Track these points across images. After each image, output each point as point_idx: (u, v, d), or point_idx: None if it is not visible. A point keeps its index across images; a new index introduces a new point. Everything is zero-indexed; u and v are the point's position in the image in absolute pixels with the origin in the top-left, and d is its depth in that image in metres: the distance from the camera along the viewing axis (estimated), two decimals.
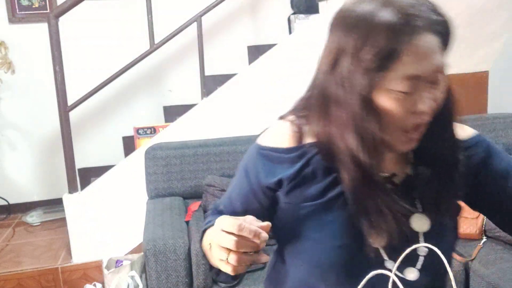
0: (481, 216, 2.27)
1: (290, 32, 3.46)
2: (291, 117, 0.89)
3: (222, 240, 0.72)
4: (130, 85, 3.42)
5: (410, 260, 0.82)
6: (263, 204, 0.91)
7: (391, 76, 0.73)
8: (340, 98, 0.77)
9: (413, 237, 0.83)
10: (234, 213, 0.88)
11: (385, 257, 0.82)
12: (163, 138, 2.66)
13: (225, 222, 0.72)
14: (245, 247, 0.71)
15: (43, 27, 2.71)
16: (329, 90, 0.79)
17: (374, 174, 0.79)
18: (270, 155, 0.88)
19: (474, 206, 0.94)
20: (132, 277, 2.38)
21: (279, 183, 0.87)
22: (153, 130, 3.00)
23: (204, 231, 0.94)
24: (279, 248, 0.95)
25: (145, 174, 2.44)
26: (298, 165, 0.85)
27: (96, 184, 2.73)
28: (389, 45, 0.72)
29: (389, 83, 0.74)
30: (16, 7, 3.35)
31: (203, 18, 2.87)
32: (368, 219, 0.80)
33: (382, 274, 0.70)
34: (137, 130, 3.01)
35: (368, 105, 0.75)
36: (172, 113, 3.23)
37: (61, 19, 2.63)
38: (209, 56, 2.98)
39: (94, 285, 2.56)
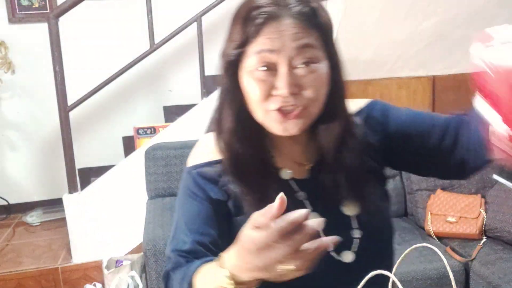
0: (481, 216, 2.27)
1: None
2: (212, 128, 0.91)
3: (268, 257, 0.61)
4: (130, 85, 3.42)
5: (346, 243, 0.84)
6: (226, 216, 0.86)
7: (248, 57, 0.80)
8: (220, 77, 0.86)
9: (346, 222, 0.86)
10: (213, 241, 0.83)
11: None
12: (163, 138, 2.66)
13: (252, 238, 0.61)
14: (295, 240, 0.61)
15: (43, 27, 2.71)
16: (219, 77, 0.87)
17: (250, 162, 0.83)
18: (207, 171, 0.87)
19: (396, 166, 0.96)
20: (132, 277, 2.38)
21: (227, 194, 0.86)
22: (153, 130, 3.00)
23: (190, 283, 0.77)
24: None
25: (145, 174, 2.44)
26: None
27: (96, 184, 2.73)
28: (242, 29, 0.80)
29: (247, 64, 0.80)
30: (16, 7, 3.35)
31: (203, 18, 2.87)
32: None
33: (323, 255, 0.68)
34: (137, 130, 3.01)
35: (233, 86, 0.83)
36: (172, 113, 3.23)
37: (61, 19, 2.63)
38: (209, 56, 2.97)
39: (94, 285, 2.56)
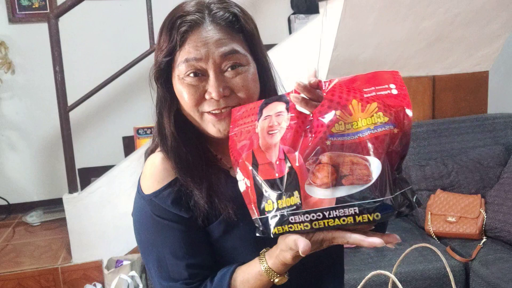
0: (481, 216, 2.27)
1: (290, 32, 3.46)
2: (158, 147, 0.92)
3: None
4: (130, 85, 3.42)
5: None
6: (201, 229, 0.87)
7: (176, 64, 0.84)
8: (156, 90, 0.89)
9: None
10: (205, 258, 0.86)
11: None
12: None
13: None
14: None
15: (43, 27, 2.71)
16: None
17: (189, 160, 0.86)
18: (169, 193, 0.86)
19: None
20: (132, 277, 2.38)
21: (196, 208, 0.86)
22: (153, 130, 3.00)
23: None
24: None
25: None
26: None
27: (96, 184, 2.73)
28: (168, 37, 0.83)
29: (177, 72, 0.84)
30: (16, 7, 3.35)
31: None
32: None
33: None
34: (137, 130, 3.01)
35: (166, 92, 0.86)
36: None
37: (61, 19, 2.63)
38: None
39: (94, 285, 2.56)
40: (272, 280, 0.80)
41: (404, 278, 2.05)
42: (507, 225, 2.19)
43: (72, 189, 2.69)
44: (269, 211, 0.71)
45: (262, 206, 0.72)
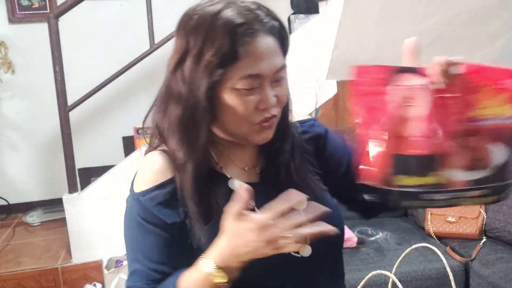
0: (481, 216, 2.27)
1: (290, 32, 3.45)
2: (155, 145, 0.91)
3: (271, 232, 0.72)
4: (130, 85, 3.42)
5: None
6: (185, 236, 0.84)
7: (233, 75, 0.78)
8: (181, 96, 0.82)
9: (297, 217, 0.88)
10: (174, 267, 0.83)
11: None
12: None
13: (254, 219, 0.72)
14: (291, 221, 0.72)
15: (43, 27, 2.71)
16: (172, 87, 0.84)
17: (200, 170, 0.83)
18: (158, 195, 0.84)
19: (328, 184, 0.97)
20: None
21: (183, 213, 0.84)
22: None
23: None
24: None
25: None
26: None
27: (96, 184, 2.73)
28: (228, 45, 0.77)
29: (232, 82, 0.79)
30: (16, 7, 3.35)
31: None
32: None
33: (278, 258, 0.76)
34: (137, 130, 3.01)
35: (209, 102, 0.80)
36: None
37: (61, 19, 2.63)
38: None
39: (94, 285, 2.56)
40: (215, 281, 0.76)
41: (404, 278, 2.05)
42: (507, 225, 2.19)
43: (72, 189, 2.69)
44: (407, 186, 0.72)
45: (394, 177, 0.72)
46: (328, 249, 0.89)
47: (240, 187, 0.73)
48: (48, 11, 3.30)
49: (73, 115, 2.72)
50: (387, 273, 0.65)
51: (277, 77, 0.82)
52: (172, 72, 0.85)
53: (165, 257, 0.84)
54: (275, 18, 0.83)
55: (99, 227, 2.69)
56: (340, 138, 1.02)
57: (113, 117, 3.51)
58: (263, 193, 0.85)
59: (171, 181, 0.85)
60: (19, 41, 3.35)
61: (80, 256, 2.68)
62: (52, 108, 2.82)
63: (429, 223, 2.33)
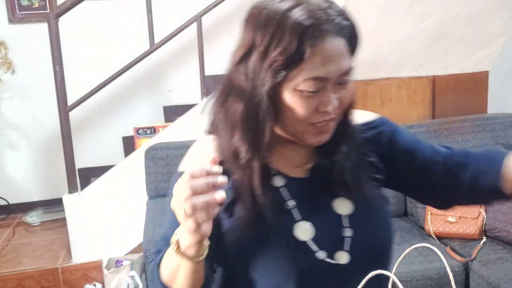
0: (481, 216, 2.27)
1: None
2: (210, 131, 0.91)
3: (177, 196, 0.71)
4: (130, 85, 3.42)
5: (338, 243, 0.84)
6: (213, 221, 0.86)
7: (298, 76, 0.76)
8: (243, 91, 0.80)
9: (337, 221, 0.86)
10: None
11: (315, 248, 0.83)
12: (163, 138, 2.66)
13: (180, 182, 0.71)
14: (200, 188, 0.69)
15: (43, 27, 2.71)
16: (234, 80, 0.82)
17: (256, 170, 0.82)
18: None
19: (395, 186, 0.98)
20: (132, 277, 2.38)
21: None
22: (153, 130, 3.00)
23: (158, 266, 0.84)
24: (230, 274, 0.90)
25: (145, 174, 2.44)
26: (229, 182, 0.82)
27: (96, 184, 2.73)
28: (295, 46, 0.74)
29: (295, 83, 0.77)
30: (16, 7, 3.35)
31: (203, 18, 2.87)
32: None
33: (310, 259, 0.80)
34: (137, 130, 3.01)
35: (271, 100, 0.78)
36: (172, 113, 3.23)
37: (61, 19, 2.63)
38: (209, 56, 2.97)
39: (94, 285, 2.56)
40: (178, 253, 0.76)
41: (404, 278, 2.05)
42: (507, 225, 2.19)
43: (72, 189, 2.69)
44: None
45: None
46: (370, 259, 0.86)
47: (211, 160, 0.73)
48: (48, 11, 3.30)
49: (73, 115, 2.72)
50: (387, 273, 0.65)
51: (342, 80, 0.80)
52: (235, 64, 0.82)
53: None
54: (346, 17, 0.80)
55: (99, 227, 2.69)
56: (410, 135, 0.98)
57: (113, 117, 3.51)
58: (309, 190, 0.87)
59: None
60: (19, 41, 3.35)
61: (80, 256, 2.68)
62: (52, 108, 2.82)
63: (429, 223, 2.33)
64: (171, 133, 2.72)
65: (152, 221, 2.17)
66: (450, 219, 2.31)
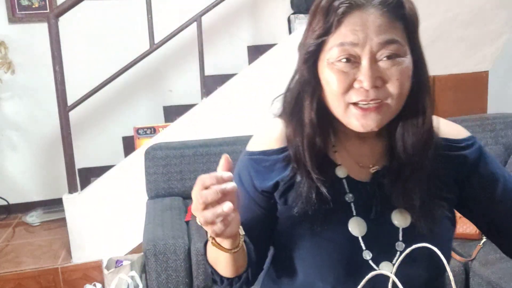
0: None
1: (290, 32, 3.45)
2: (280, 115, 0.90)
3: (193, 203, 0.72)
4: (130, 85, 3.42)
5: (388, 254, 0.82)
6: (264, 210, 0.88)
7: (329, 46, 0.77)
8: (296, 70, 0.84)
9: (394, 232, 0.83)
10: (242, 225, 0.84)
11: (364, 246, 0.82)
12: (163, 138, 2.66)
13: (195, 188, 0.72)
14: (210, 198, 0.69)
15: (43, 27, 2.71)
16: (297, 64, 0.84)
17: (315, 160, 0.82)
18: (260, 160, 0.87)
19: (465, 213, 0.93)
20: (132, 277, 2.38)
21: (276, 185, 0.86)
22: (153, 130, 3.00)
23: (205, 244, 0.88)
24: (276, 254, 0.93)
25: (145, 174, 2.44)
26: (291, 165, 0.85)
27: (96, 184, 2.73)
28: (325, 18, 0.76)
29: (328, 54, 0.78)
30: (16, 7, 3.35)
31: (203, 18, 2.87)
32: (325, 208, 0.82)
33: (356, 257, 0.79)
34: (137, 130, 3.01)
35: (312, 75, 0.80)
36: (172, 113, 3.23)
37: (61, 19, 2.63)
38: (209, 56, 2.97)
39: (94, 285, 2.56)
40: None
41: None
42: None
43: (72, 189, 2.69)
44: None
45: None
46: (421, 277, 0.83)
47: (224, 157, 0.73)
48: (48, 11, 3.29)
49: (73, 115, 2.72)
50: (387, 273, 0.65)
51: (384, 54, 0.76)
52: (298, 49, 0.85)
53: (245, 217, 0.83)
54: None
55: (99, 227, 2.69)
56: (499, 166, 0.91)
57: (113, 117, 3.51)
58: (369, 195, 0.84)
59: (279, 150, 0.86)
60: (19, 41, 3.35)
61: (80, 256, 2.68)
62: (52, 108, 2.82)
63: None
64: (171, 133, 2.72)
65: (152, 221, 2.17)
66: None
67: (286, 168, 0.85)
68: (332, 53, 0.77)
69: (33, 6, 3.37)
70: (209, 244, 0.79)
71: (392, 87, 0.77)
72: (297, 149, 0.83)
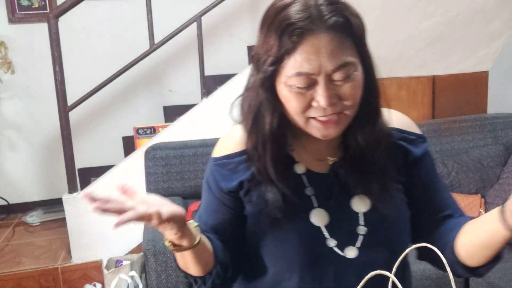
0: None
1: None
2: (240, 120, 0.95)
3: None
4: (130, 85, 3.42)
5: (351, 239, 0.88)
6: (233, 211, 0.94)
7: (285, 72, 0.80)
8: (250, 84, 0.87)
9: (354, 218, 0.88)
10: (207, 229, 0.93)
11: (327, 235, 0.88)
12: (163, 138, 2.66)
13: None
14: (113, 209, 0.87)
15: (43, 27, 2.70)
16: (250, 75, 0.88)
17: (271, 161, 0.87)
18: (224, 163, 0.93)
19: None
20: (132, 277, 2.38)
21: (240, 185, 0.91)
22: (153, 130, 3.00)
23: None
24: (249, 253, 0.96)
25: (145, 174, 2.44)
26: (251, 168, 0.90)
27: (96, 184, 2.73)
28: (279, 44, 0.79)
29: (284, 78, 0.80)
30: (16, 7, 3.35)
31: (203, 18, 2.87)
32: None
33: (320, 246, 0.85)
34: (137, 130, 3.01)
35: (269, 93, 0.83)
36: (172, 113, 3.23)
37: (61, 19, 2.63)
38: (209, 56, 2.97)
39: (94, 285, 2.56)
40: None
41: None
42: None
43: (72, 189, 2.69)
44: None
45: None
46: (379, 259, 0.88)
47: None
48: (48, 11, 3.29)
49: (73, 115, 2.72)
50: (387, 273, 0.65)
51: (338, 76, 0.79)
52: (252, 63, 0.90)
53: (210, 218, 0.94)
54: (341, 14, 0.80)
55: (99, 227, 2.68)
56: (436, 174, 0.98)
57: (113, 117, 3.51)
58: (328, 184, 0.90)
59: (241, 153, 0.92)
60: (19, 41, 3.35)
61: (80, 256, 2.67)
62: (52, 108, 2.82)
63: None
64: (171, 133, 2.72)
65: None
66: None
67: (249, 169, 0.91)
68: (290, 79, 0.80)
69: (33, 6, 3.37)
70: (175, 252, 0.85)
71: (347, 101, 0.81)
72: (256, 151, 0.88)
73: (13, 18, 3.35)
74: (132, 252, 2.66)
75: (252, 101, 0.87)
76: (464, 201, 2.33)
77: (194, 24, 2.85)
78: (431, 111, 2.84)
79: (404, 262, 0.95)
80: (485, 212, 2.28)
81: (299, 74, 0.79)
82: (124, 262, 2.46)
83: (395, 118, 0.93)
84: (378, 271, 0.68)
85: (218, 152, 0.96)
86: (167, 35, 2.84)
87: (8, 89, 3.40)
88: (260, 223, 0.90)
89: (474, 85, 2.87)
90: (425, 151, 0.95)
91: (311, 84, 0.80)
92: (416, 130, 0.96)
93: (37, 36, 3.28)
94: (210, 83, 2.90)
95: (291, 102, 0.81)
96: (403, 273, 0.96)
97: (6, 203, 3.46)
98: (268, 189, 0.88)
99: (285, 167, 0.89)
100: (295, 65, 0.78)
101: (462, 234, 0.88)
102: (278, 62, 0.80)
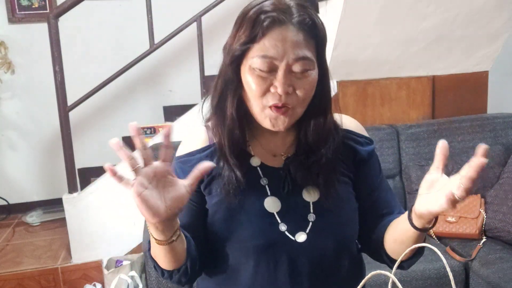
0: (481, 216, 2.27)
1: None
2: (206, 121, 1.04)
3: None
4: (130, 85, 3.42)
5: (302, 226, 0.96)
6: (199, 205, 1.00)
7: (252, 54, 0.89)
8: (221, 71, 0.96)
9: (306, 207, 0.97)
10: (183, 226, 0.96)
11: (279, 220, 0.96)
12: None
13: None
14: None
15: (43, 27, 2.71)
16: (220, 68, 0.97)
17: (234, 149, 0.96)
18: (186, 160, 1.01)
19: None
20: (132, 277, 2.38)
21: (201, 179, 0.94)
22: (153, 130, 3.00)
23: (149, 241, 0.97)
24: (211, 245, 1.01)
25: None
26: (214, 160, 0.97)
27: (96, 184, 2.73)
28: (250, 29, 0.88)
29: (250, 60, 0.89)
30: (16, 7, 3.35)
31: (203, 18, 2.87)
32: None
33: (273, 231, 0.93)
34: None
35: (234, 75, 0.92)
36: (172, 113, 3.23)
37: (61, 19, 2.63)
38: (209, 56, 2.97)
39: (94, 285, 2.56)
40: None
41: (404, 278, 2.05)
42: (507, 225, 2.19)
43: (72, 189, 2.69)
44: None
45: None
46: (326, 245, 0.96)
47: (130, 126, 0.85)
48: (48, 11, 3.30)
49: (73, 115, 2.72)
50: (387, 273, 0.65)
51: (297, 68, 0.88)
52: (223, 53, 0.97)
53: (187, 218, 0.98)
54: (310, 17, 0.90)
55: (99, 227, 2.69)
56: (382, 177, 1.07)
57: (113, 117, 3.51)
58: (281, 177, 0.98)
59: (202, 149, 1.01)
60: (19, 41, 3.35)
61: (80, 256, 2.68)
62: (52, 108, 2.82)
63: None
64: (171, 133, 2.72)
65: None
66: (450, 219, 2.31)
67: None
68: (254, 61, 0.88)
69: (33, 6, 3.37)
70: (152, 240, 0.88)
71: (300, 94, 0.90)
72: (220, 139, 0.97)
73: (13, 18, 3.35)
74: (132, 252, 2.66)
75: (219, 83, 0.96)
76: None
77: (194, 24, 2.85)
78: (431, 111, 2.84)
79: (359, 257, 1.07)
80: (485, 212, 2.28)
81: (264, 56, 0.87)
82: (124, 262, 2.46)
83: (346, 122, 1.04)
84: (378, 271, 0.68)
85: (181, 150, 1.04)
86: (167, 35, 2.84)
87: (8, 89, 3.40)
88: (218, 213, 0.97)
89: (474, 85, 2.87)
90: (372, 152, 1.05)
91: (272, 69, 0.88)
92: (364, 133, 1.07)
93: (37, 36, 3.28)
94: (210, 83, 2.89)
95: (252, 85, 0.89)
96: (355, 263, 1.05)
97: (6, 203, 3.46)
98: (227, 172, 0.95)
99: (242, 158, 0.97)
100: (262, 48, 0.87)
101: (388, 230, 1.00)
102: (247, 43, 0.88)
